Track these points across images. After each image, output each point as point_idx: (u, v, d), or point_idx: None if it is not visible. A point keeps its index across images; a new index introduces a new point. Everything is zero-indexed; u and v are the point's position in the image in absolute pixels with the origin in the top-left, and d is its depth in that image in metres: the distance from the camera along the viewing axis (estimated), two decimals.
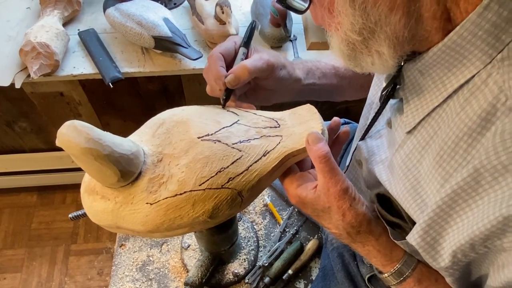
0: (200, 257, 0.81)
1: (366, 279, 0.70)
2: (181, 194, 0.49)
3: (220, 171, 0.50)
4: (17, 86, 1.01)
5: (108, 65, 1.03)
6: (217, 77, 0.57)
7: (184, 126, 0.53)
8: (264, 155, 0.52)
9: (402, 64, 0.46)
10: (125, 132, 0.56)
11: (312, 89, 0.68)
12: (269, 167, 0.52)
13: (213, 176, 0.49)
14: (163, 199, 0.49)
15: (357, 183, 0.65)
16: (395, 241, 0.51)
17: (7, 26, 1.13)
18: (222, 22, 1.00)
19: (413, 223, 0.47)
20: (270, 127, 0.55)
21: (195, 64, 1.04)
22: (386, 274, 0.53)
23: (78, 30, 1.11)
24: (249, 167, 0.51)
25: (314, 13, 0.48)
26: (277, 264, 0.85)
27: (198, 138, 0.51)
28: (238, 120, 0.56)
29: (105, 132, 0.47)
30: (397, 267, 0.52)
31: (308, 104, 0.58)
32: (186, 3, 1.17)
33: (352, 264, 0.74)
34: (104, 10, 1.06)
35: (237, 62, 0.59)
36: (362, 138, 0.61)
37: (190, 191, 0.49)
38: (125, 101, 1.35)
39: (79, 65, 1.05)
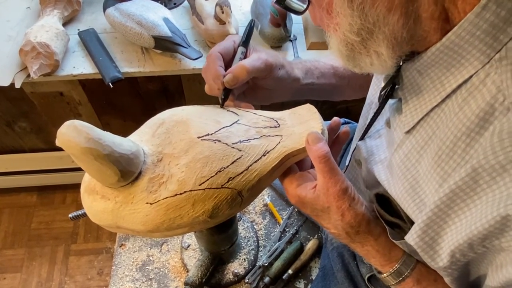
0: (200, 257, 0.81)
1: (366, 279, 0.70)
2: (181, 193, 0.49)
3: (220, 171, 0.50)
4: (17, 86, 1.01)
5: (108, 65, 1.03)
6: (216, 76, 0.57)
7: (184, 126, 0.53)
8: (264, 155, 0.52)
9: (401, 64, 0.46)
10: (125, 132, 0.56)
11: (310, 89, 0.68)
12: (269, 167, 0.52)
13: (213, 176, 0.49)
14: (163, 198, 0.49)
15: (357, 183, 0.65)
16: (394, 241, 0.51)
17: (7, 26, 1.13)
18: (222, 22, 1.00)
19: (412, 223, 0.47)
20: (270, 127, 0.55)
21: (195, 64, 1.04)
22: (385, 274, 0.53)
23: (78, 30, 1.11)
24: (249, 167, 0.51)
25: (313, 14, 0.48)
26: (277, 264, 0.85)
27: (198, 138, 0.51)
28: (238, 120, 0.56)
29: (105, 132, 0.47)
30: (396, 267, 0.52)
31: (308, 104, 0.58)
32: (186, 3, 1.17)
33: (352, 264, 0.74)
34: (104, 10, 1.06)
35: (235, 62, 0.59)
36: (362, 138, 0.61)
37: (190, 190, 0.49)
38: (125, 101, 1.35)
39: (79, 65, 1.05)
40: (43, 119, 1.40)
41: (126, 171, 0.48)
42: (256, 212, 0.94)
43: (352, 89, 0.73)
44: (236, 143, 0.52)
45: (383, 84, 0.51)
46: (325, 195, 0.49)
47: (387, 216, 0.52)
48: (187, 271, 0.85)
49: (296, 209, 0.94)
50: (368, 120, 0.58)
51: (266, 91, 0.63)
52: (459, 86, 0.41)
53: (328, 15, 0.43)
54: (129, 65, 1.06)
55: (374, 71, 0.48)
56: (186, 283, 0.79)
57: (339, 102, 0.92)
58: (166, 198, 0.49)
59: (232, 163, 0.51)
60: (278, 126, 0.56)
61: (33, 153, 1.55)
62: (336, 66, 0.71)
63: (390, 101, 0.53)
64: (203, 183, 0.49)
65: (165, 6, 1.13)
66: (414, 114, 0.47)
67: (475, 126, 0.39)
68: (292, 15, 1.08)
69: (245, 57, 0.60)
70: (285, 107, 0.60)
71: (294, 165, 0.56)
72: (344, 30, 0.42)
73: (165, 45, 1.02)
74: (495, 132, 0.37)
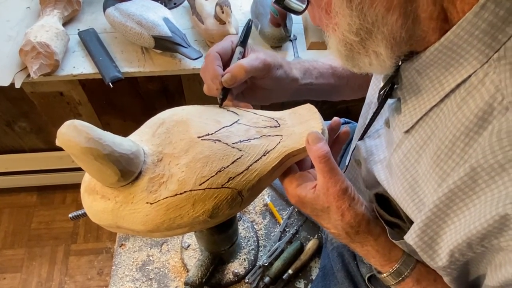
0: (200, 257, 0.82)
1: (366, 278, 0.70)
2: (181, 193, 0.49)
3: (220, 171, 0.50)
4: (17, 86, 1.01)
5: (108, 65, 1.03)
6: (214, 76, 0.57)
7: (184, 125, 0.53)
8: (264, 155, 0.52)
9: (400, 64, 0.46)
10: (125, 132, 0.56)
11: (309, 89, 0.68)
12: (269, 167, 0.52)
13: (213, 176, 0.49)
14: (163, 198, 0.49)
15: (356, 183, 0.65)
16: (394, 241, 0.51)
17: (7, 26, 1.13)
18: (222, 22, 1.00)
19: (411, 222, 0.47)
20: (270, 127, 0.55)
21: (195, 63, 1.04)
22: (385, 274, 0.53)
23: (78, 30, 1.11)
24: (249, 167, 0.51)
25: (312, 14, 0.48)
26: (277, 264, 0.85)
27: (198, 137, 0.51)
28: (238, 119, 0.56)
29: (105, 131, 0.47)
30: (395, 267, 0.52)
31: (308, 104, 0.59)
32: (186, 2, 1.17)
33: (352, 263, 0.74)
34: (104, 10, 1.07)
35: (234, 61, 0.59)
36: (361, 138, 0.61)
37: (190, 190, 0.49)
38: (125, 101, 1.35)
39: (79, 65, 1.05)
40: (43, 119, 1.40)
41: (126, 171, 0.48)
42: (256, 212, 0.94)
43: (351, 89, 0.73)
44: (236, 143, 0.52)
45: (382, 84, 0.52)
46: (325, 195, 0.49)
47: (387, 216, 0.52)
48: (187, 271, 0.85)
49: (296, 209, 0.94)
50: (368, 120, 0.58)
51: (264, 91, 0.63)
52: (458, 86, 0.41)
53: (327, 15, 0.43)
54: (129, 65, 1.06)
55: (373, 71, 0.48)
56: (186, 283, 0.79)
57: (339, 102, 0.92)
58: (166, 198, 0.49)
59: (232, 163, 0.51)
60: (278, 126, 0.56)
61: (33, 153, 1.55)
62: (335, 66, 0.71)
63: (389, 101, 0.53)
64: (203, 183, 0.49)
65: (165, 6, 1.13)
66: (413, 113, 0.47)
67: (474, 125, 0.39)
68: (292, 15, 1.08)
69: (243, 57, 0.60)
70: (285, 107, 0.60)
71: (294, 165, 0.56)
72: (343, 30, 0.42)
73: (165, 45, 1.02)
74: (494, 132, 0.37)
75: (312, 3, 0.46)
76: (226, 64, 0.59)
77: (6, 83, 1.01)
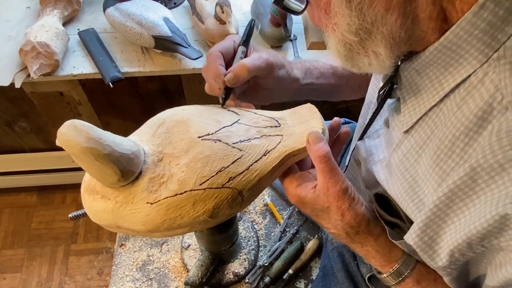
0: (201, 257, 0.81)
1: (366, 278, 0.70)
2: (181, 193, 0.49)
3: (220, 171, 0.50)
4: (17, 85, 1.01)
5: (108, 65, 1.03)
6: (216, 75, 0.57)
7: (185, 125, 0.53)
8: (264, 155, 0.52)
9: (399, 64, 0.46)
10: (125, 131, 0.56)
11: (310, 89, 0.68)
12: (269, 167, 0.52)
13: (213, 176, 0.49)
14: (164, 198, 0.49)
15: (356, 183, 0.65)
16: (394, 241, 0.51)
17: (7, 26, 1.13)
18: (222, 22, 1.00)
19: (411, 222, 0.47)
20: (271, 127, 0.55)
21: (195, 63, 1.04)
22: (385, 275, 0.53)
23: (78, 29, 1.11)
24: (249, 167, 0.51)
25: (311, 14, 0.48)
26: (278, 264, 0.85)
27: (199, 137, 0.51)
28: (239, 119, 0.56)
29: (106, 131, 0.47)
30: (396, 267, 0.52)
31: (309, 104, 0.59)
32: (186, 2, 1.17)
33: (353, 263, 0.74)
34: (104, 9, 1.07)
35: (236, 61, 0.59)
36: (361, 138, 0.61)
37: (191, 190, 0.49)
38: (125, 101, 1.35)
39: (79, 65, 1.05)
40: (43, 119, 1.40)
41: (127, 170, 0.48)
42: (256, 212, 0.94)
43: (351, 89, 0.73)
44: (236, 142, 0.52)
45: (381, 84, 0.51)
46: (325, 195, 0.49)
47: (387, 216, 0.52)
48: (188, 271, 0.85)
49: (296, 209, 0.94)
50: (367, 120, 0.58)
51: (266, 91, 0.63)
52: (458, 86, 0.41)
53: (326, 15, 0.43)
54: (129, 65, 1.06)
55: (373, 71, 0.48)
56: (186, 283, 0.79)
57: (339, 102, 0.92)
58: (167, 198, 0.49)
59: (233, 162, 0.51)
60: (279, 126, 0.56)
61: (33, 153, 1.55)
62: (335, 66, 0.71)
63: (389, 101, 0.53)
64: (203, 182, 0.49)
65: (165, 5, 1.13)
66: (413, 113, 0.47)
67: (473, 125, 0.39)
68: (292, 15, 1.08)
69: (245, 57, 0.60)
70: (286, 107, 0.60)
71: (294, 165, 0.56)
72: (342, 30, 0.42)
73: (165, 44, 1.02)
74: (494, 131, 0.37)
75: (311, 3, 0.46)
76: (228, 63, 0.59)
77: (6, 83, 1.01)
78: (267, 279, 0.83)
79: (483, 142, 0.38)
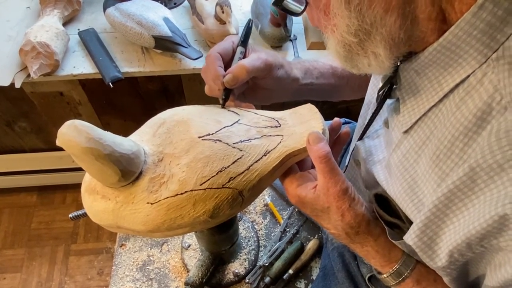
0: (201, 257, 0.82)
1: (366, 278, 0.70)
2: (182, 193, 0.49)
3: (221, 171, 0.50)
4: (17, 85, 1.01)
5: (108, 65, 1.03)
6: (215, 76, 0.57)
7: (185, 125, 0.53)
8: (265, 155, 0.52)
9: (399, 64, 0.46)
10: (125, 132, 0.56)
11: (310, 89, 0.68)
12: (270, 167, 0.52)
13: (214, 176, 0.49)
14: (164, 198, 0.49)
15: (356, 183, 0.65)
16: (393, 241, 0.51)
17: (7, 26, 1.13)
18: (222, 22, 1.00)
19: (411, 223, 0.47)
20: (271, 127, 0.55)
21: (195, 63, 1.04)
22: (385, 275, 0.53)
23: (78, 29, 1.11)
24: (250, 167, 0.51)
25: (310, 15, 0.49)
26: (278, 264, 0.85)
27: (199, 137, 0.51)
28: (239, 119, 0.56)
29: (106, 131, 0.47)
30: (395, 267, 0.52)
31: (309, 104, 0.59)
32: (186, 2, 1.17)
33: (353, 264, 0.74)
34: (104, 9, 1.07)
35: (235, 62, 0.59)
36: (360, 138, 0.61)
37: (191, 190, 0.49)
38: (125, 101, 1.35)
39: (79, 65, 1.05)
40: (43, 119, 1.40)
41: (127, 171, 0.48)
42: (256, 212, 0.94)
43: (351, 89, 0.73)
44: (237, 143, 0.52)
45: (381, 84, 0.52)
46: (325, 195, 0.49)
47: (386, 216, 0.52)
48: (188, 271, 0.85)
49: (296, 209, 0.94)
50: (367, 121, 0.58)
51: (265, 91, 0.63)
52: (457, 86, 0.41)
53: (326, 16, 0.43)
54: (129, 65, 1.06)
55: (372, 72, 0.48)
56: (186, 283, 0.79)
57: (339, 102, 0.92)
58: (167, 198, 0.49)
59: (233, 163, 0.51)
60: (279, 126, 0.56)
61: (33, 153, 1.55)
62: (335, 66, 0.71)
63: (388, 101, 0.53)
64: (204, 183, 0.49)
65: (165, 5, 1.13)
66: (412, 114, 0.47)
67: (472, 125, 0.39)
68: None
69: (244, 57, 0.60)
70: (286, 107, 0.60)
71: (294, 165, 0.56)
72: (341, 31, 0.42)
73: (165, 45, 1.02)
74: (493, 132, 0.37)
75: (310, 4, 0.46)
76: (227, 64, 0.59)
77: (6, 83, 1.01)
78: (267, 279, 0.83)
79: (482, 143, 0.38)
